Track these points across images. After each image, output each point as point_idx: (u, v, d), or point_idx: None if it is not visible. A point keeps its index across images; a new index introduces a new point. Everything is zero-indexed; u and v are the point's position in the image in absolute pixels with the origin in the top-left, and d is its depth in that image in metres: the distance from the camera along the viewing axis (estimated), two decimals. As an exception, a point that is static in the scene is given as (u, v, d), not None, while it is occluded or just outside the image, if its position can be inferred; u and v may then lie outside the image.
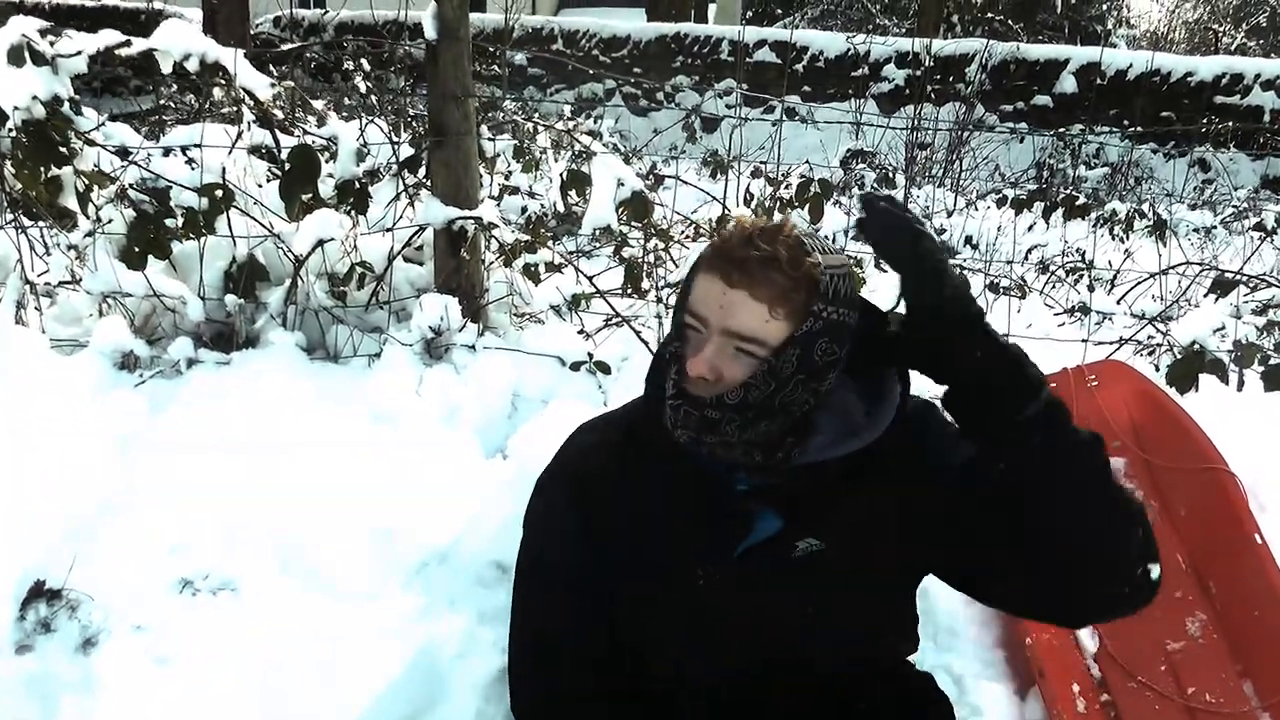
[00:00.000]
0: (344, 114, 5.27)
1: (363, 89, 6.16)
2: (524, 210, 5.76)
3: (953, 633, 3.26)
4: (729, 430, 2.06)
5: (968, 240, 8.42)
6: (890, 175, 10.69)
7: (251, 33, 15.78)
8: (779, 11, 27.75)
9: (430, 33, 3.88)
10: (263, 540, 3.12)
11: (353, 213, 4.05)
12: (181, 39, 3.73)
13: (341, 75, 10.45)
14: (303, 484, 3.29)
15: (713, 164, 8.83)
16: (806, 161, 6.83)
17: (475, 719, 2.83)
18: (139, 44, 3.71)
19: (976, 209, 9.42)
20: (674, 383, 2.09)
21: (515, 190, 5.88)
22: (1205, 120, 15.15)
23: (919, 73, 17.11)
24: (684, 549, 2.20)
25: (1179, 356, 4.07)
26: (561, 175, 5.01)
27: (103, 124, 3.99)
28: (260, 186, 4.25)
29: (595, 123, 12.20)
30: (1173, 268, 6.33)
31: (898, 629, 2.39)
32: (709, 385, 2.03)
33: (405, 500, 3.30)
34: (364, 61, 6.68)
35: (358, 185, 4.01)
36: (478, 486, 3.38)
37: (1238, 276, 5.53)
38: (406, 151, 4.26)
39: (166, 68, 3.70)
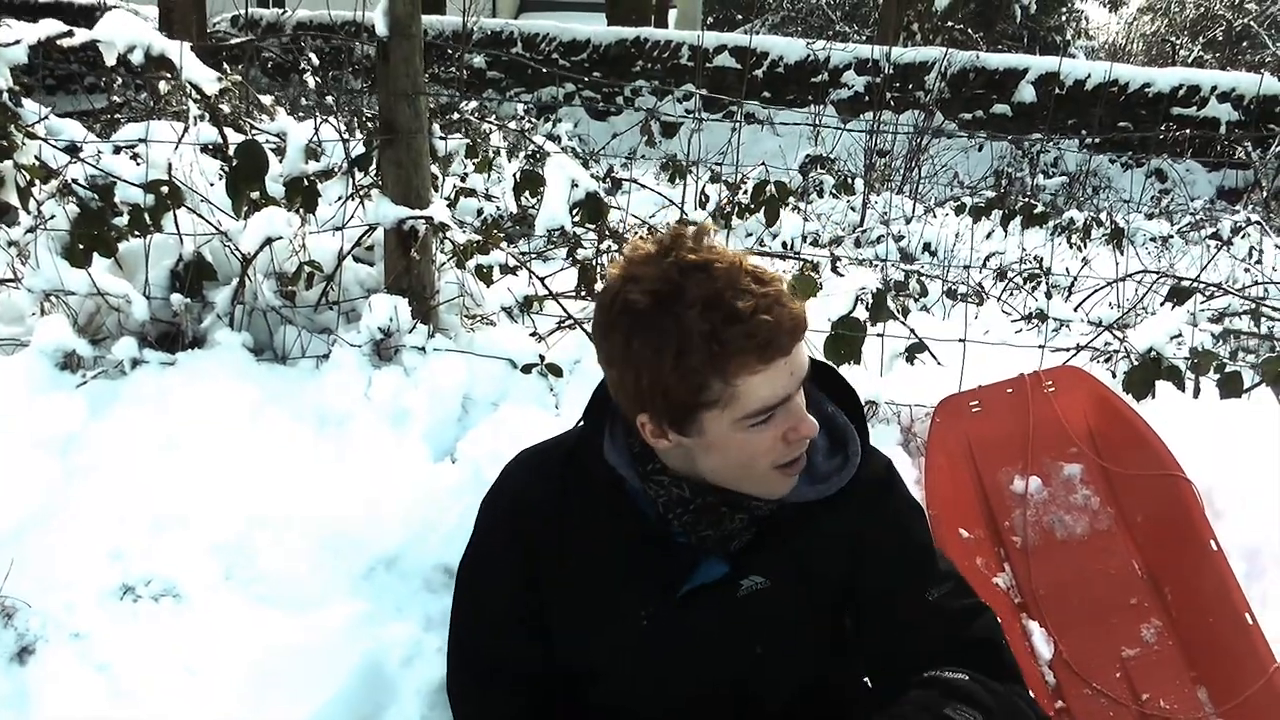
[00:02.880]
0: (299, 114, 5.20)
1: (312, 84, 6.09)
2: (480, 213, 5.72)
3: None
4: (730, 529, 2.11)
5: (926, 247, 8.40)
6: (849, 181, 10.66)
7: (208, 31, 15.71)
8: (739, 17, 27.79)
9: (381, 29, 3.83)
10: (206, 546, 3.08)
11: (301, 211, 3.99)
12: (126, 30, 3.66)
13: (299, 75, 10.41)
14: (248, 488, 3.26)
15: (671, 169, 8.79)
16: (763, 163, 6.81)
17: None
18: (82, 35, 3.65)
19: (935, 216, 9.41)
20: (789, 462, 2.05)
21: (471, 193, 5.82)
22: (1164, 128, 15.24)
23: (879, 80, 17.14)
24: (626, 588, 2.19)
25: (1136, 363, 4.05)
26: (515, 176, 4.96)
27: (46, 117, 3.92)
28: (211, 185, 4.18)
29: (554, 126, 12.17)
30: (1130, 275, 6.33)
31: (846, 663, 2.37)
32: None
33: (353, 505, 3.26)
34: (312, 56, 6.61)
35: (306, 182, 3.96)
36: (426, 491, 3.34)
37: (1194, 284, 5.53)
38: (359, 150, 4.21)
39: (110, 59, 3.64)
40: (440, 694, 2.78)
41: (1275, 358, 4.31)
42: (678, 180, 7.79)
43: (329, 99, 8.97)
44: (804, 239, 7.32)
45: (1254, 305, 5.56)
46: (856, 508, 2.17)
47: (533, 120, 11.31)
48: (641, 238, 2.21)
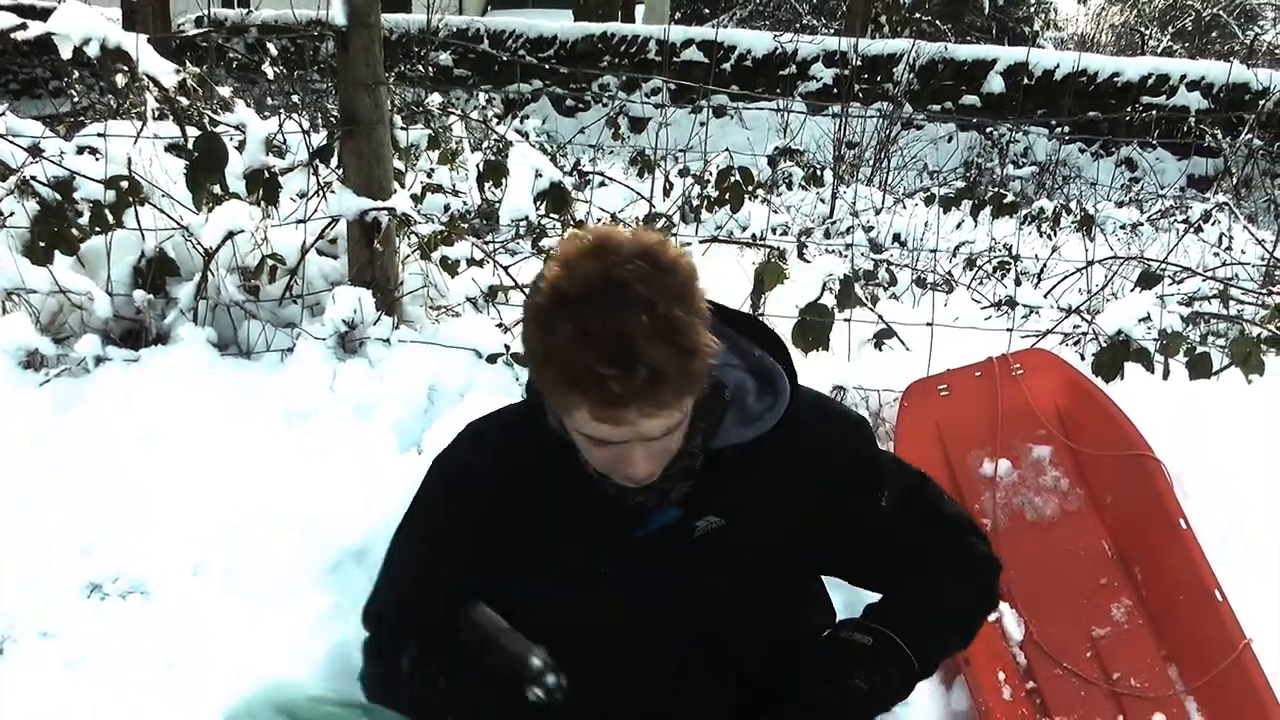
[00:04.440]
0: (264, 114, 5.17)
1: (271, 75, 6.06)
2: (446, 208, 5.69)
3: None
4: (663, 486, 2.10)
5: (895, 238, 8.40)
6: (818, 173, 10.66)
7: (171, 32, 15.63)
8: (707, 11, 27.79)
9: (340, 18, 3.81)
10: (173, 541, 3.07)
11: (263, 204, 3.97)
12: (81, 22, 3.63)
13: (265, 77, 10.39)
14: (215, 483, 3.25)
15: (640, 163, 8.78)
16: (726, 150, 6.79)
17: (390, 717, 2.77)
18: (35, 27, 3.61)
19: (905, 207, 9.41)
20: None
21: (438, 188, 5.80)
22: (1130, 110, 15.26)
23: (847, 72, 17.14)
24: (582, 541, 2.20)
25: (1104, 345, 4.05)
26: (478, 166, 4.94)
27: (4, 112, 3.89)
28: (175, 184, 4.16)
29: (521, 122, 12.13)
30: (1100, 261, 6.34)
31: (809, 601, 2.41)
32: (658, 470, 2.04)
33: (319, 498, 3.25)
34: (271, 47, 6.58)
35: (267, 175, 3.93)
36: (393, 482, 3.31)
37: (1163, 267, 5.55)
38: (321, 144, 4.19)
39: (66, 52, 3.60)
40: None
41: (1244, 339, 4.33)
42: (646, 175, 7.78)
43: (294, 98, 8.94)
44: (773, 231, 7.31)
45: (1223, 287, 5.58)
46: (798, 440, 2.20)
47: (497, 112, 11.27)
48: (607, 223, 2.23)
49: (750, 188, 6.24)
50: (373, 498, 3.27)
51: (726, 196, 6.00)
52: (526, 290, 2.16)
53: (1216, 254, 7.89)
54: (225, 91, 4.71)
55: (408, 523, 2.44)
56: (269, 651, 2.80)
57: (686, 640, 2.20)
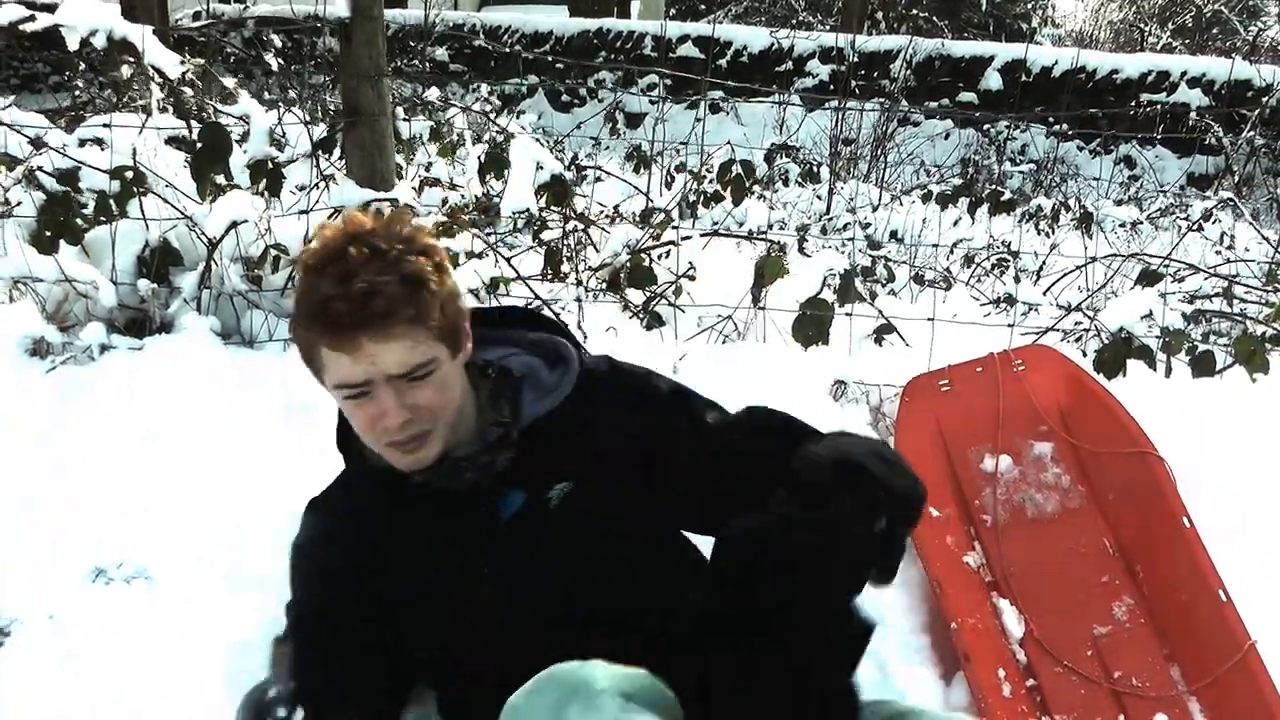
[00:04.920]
0: (264, 108, 5.18)
1: (275, 66, 6.07)
2: (444, 201, 5.70)
3: (877, 617, 3.23)
4: (476, 459, 2.16)
5: (893, 234, 8.41)
6: (815, 169, 10.67)
7: (169, 26, 15.62)
8: (703, 7, 27.76)
9: (343, 10, 3.82)
10: (176, 528, 3.08)
11: (266, 194, 3.98)
12: (88, 14, 3.64)
13: (263, 71, 10.40)
14: (217, 471, 3.25)
15: (636, 159, 8.79)
16: (728, 142, 6.80)
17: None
18: (44, 19, 3.63)
19: (901, 204, 9.43)
20: (391, 443, 2.10)
21: (436, 182, 5.80)
22: (1133, 105, 15.23)
23: (843, 68, 17.13)
24: (453, 553, 2.22)
25: (1107, 342, 4.06)
26: (479, 158, 4.94)
27: (9, 106, 3.90)
28: (176, 175, 4.17)
29: (517, 118, 12.14)
30: (1100, 258, 6.34)
31: (682, 561, 2.39)
32: (417, 421, 2.05)
33: (321, 487, 3.24)
34: (276, 39, 6.59)
35: (270, 165, 3.94)
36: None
37: (1166, 264, 5.56)
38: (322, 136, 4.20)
39: (73, 44, 3.62)
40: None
41: (1247, 337, 4.33)
42: (642, 170, 7.79)
43: (291, 92, 8.95)
44: (770, 227, 7.32)
45: (1226, 285, 5.58)
46: (598, 401, 2.25)
47: (495, 104, 11.29)
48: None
49: (751, 181, 6.25)
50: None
51: (728, 190, 6.00)
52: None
53: (1219, 252, 7.90)
54: (229, 83, 4.72)
55: (291, 621, 2.44)
56: (267, 639, 2.80)
57: (580, 615, 2.18)
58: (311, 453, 3.34)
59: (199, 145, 3.81)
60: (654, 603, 2.23)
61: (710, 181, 6.63)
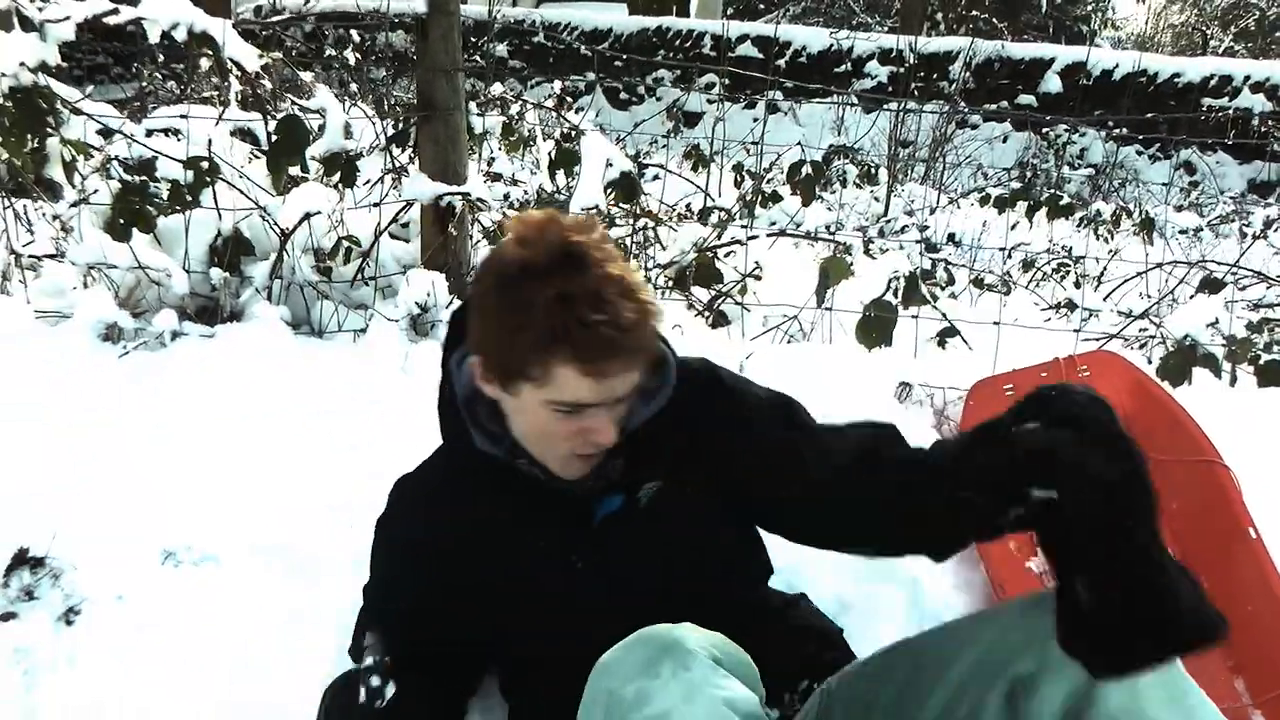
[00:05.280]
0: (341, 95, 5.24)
1: (352, 60, 6.12)
2: (506, 197, 5.73)
3: (938, 619, 3.24)
4: (603, 467, 2.16)
5: (950, 237, 8.41)
6: (873, 171, 10.66)
7: (232, 22, 15.73)
8: (761, 6, 27.73)
9: (420, 5, 3.85)
10: (244, 514, 3.09)
11: (340, 186, 4.01)
12: (169, 8, 3.68)
13: (323, 65, 10.46)
14: (283, 460, 3.27)
15: (695, 158, 8.81)
16: (799, 143, 6.81)
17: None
18: (127, 12, 3.67)
19: (959, 206, 9.41)
20: (580, 455, 2.10)
21: (498, 177, 5.83)
22: (1195, 111, 15.11)
23: (902, 70, 17.09)
24: (548, 545, 2.24)
25: (1172, 349, 4.05)
26: (550, 154, 4.97)
27: (89, 94, 3.96)
28: (248, 162, 4.22)
29: (576, 115, 12.14)
30: (1162, 265, 6.32)
31: (756, 548, 2.45)
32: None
33: (387, 477, 3.26)
34: (354, 33, 6.65)
35: (345, 157, 3.97)
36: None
37: (1231, 270, 5.53)
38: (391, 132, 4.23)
39: (154, 36, 3.66)
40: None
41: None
42: (700, 168, 7.80)
43: (353, 86, 9.01)
44: (828, 228, 7.32)
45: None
46: (692, 402, 2.24)
47: (567, 100, 11.32)
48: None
49: (820, 182, 6.26)
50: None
51: (797, 190, 6.01)
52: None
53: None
54: (308, 76, 4.76)
55: (375, 595, 2.48)
56: (329, 626, 2.82)
57: (665, 603, 2.20)
58: (377, 442, 3.39)
59: (276, 137, 3.85)
60: (732, 588, 2.32)
61: (769, 182, 6.64)
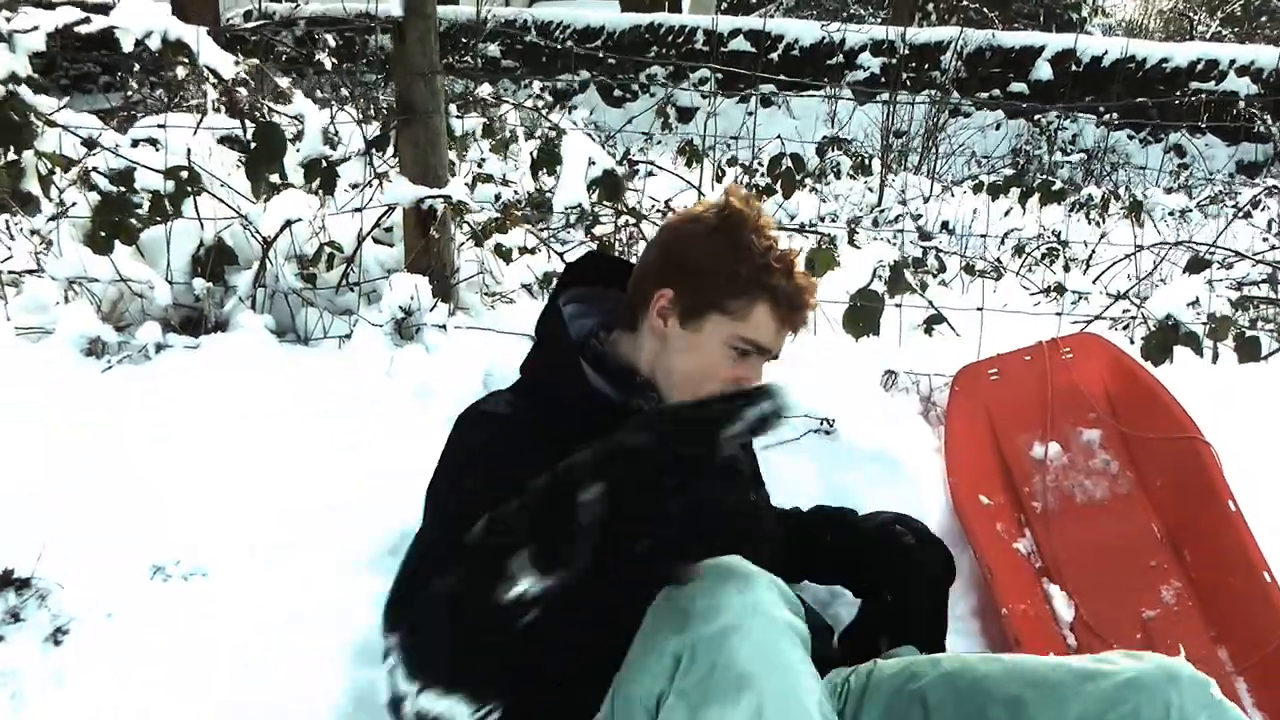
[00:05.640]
0: (316, 104, 5.21)
1: (329, 65, 6.12)
2: (498, 197, 5.74)
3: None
4: None
5: (944, 225, 8.42)
6: (866, 162, 10.68)
7: (221, 26, 15.70)
8: (753, 1, 27.70)
9: (396, 9, 3.86)
10: (233, 525, 3.10)
11: (320, 193, 4.02)
12: (143, 15, 3.68)
13: (313, 68, 10.46)
14: (273, 467, 3.28)
15: (688, 153, 8.82)
16: (779, 137, 6.82)
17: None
18: (99, 21, 3.67)
19: (952, 195, 9.42)
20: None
21: (489, 178, 5.84)
22: (1180, 95, 15.20)
23: (894, 60, 17.10)
24: None
25: (1154, 329, 4.06)
26: (532, 154, 4.98)
27: (65, 105, 3.96)
28: (230, 174, 4.22)
29: (569, 113, 12.16)
30: (1148, 247, 6.33)
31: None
32: None
33: (375, 481, 3.28)
34: (329, 38, 6.64)
35: (325, 164, 3.98)
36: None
37: (1211, 250, 5.55)
38: (376, 135, 4.24)
39: (128, 45, 3.65)
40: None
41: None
42: (694, 164, 7.81)
43: (343, 90, 9.00)
44: (821, 219, 7.34)
45: (1272, 271, 5.57)
46: None
47: (548, 99, 11.33)
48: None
49: (801, 175, 6.27)
50: (427, 481, 3.30)
51: (779, 183, 6.03)
52: (669, 221, 2.54)
53: (1266, 239, 7.88)
54: (284, 83, 4.76)
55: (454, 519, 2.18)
56: (324, 633, 2.84)
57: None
58: (364, 445, 3.40)
59: (254, 145, 3.85)
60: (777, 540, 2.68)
61: (760, 175, 6.64)
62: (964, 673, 2.26)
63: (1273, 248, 6.99)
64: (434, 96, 3.94)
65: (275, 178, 3.96)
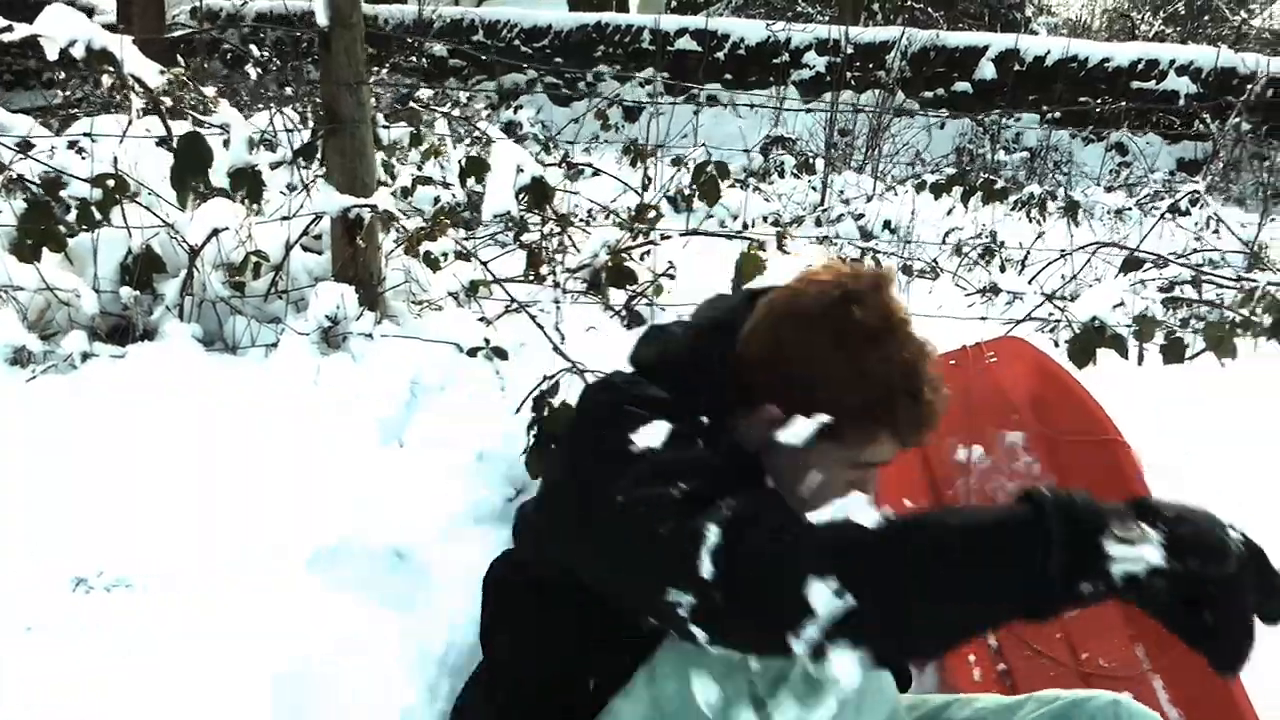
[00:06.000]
0: (260, 105, 5.21)
1: (254, 76, 6.12)
2: (436, 200, 5.74)
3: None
4: None
5: (886, 225, 8.45)
6: (810, 161, 10.72)
7: (167, 24, 15.62)
8: (701, 0, 27.75)
9: (321, 19, 3.85)
10: (158, 535, 3.08)
11: (248, 201, 4.02)
12: (66, 24, 3.67)
13: (256, 66, 10.44)
14: (199, 476, 3.27)
15: (633, 153, 8.84)
16: (703, 144, 6.84)
17: (369, 711, 2.81)
18: (21, 29, 3.66)
19: (896, 194, 9.47)
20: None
21: (429, 180, 5.84)
22: (1119, 99, 15.39)
23: (839, 59, 17.17)
24: None
25: (1078, 332, 4.10)
26: (460, 162, 4.99)
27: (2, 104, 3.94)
28: (162, 181, 4.21)
29: (515, 113, 12.17)
30: (1082, 248, 6.38)
31: None
32: None
33: (302, 491, 3.28)
34: (254, 48, 6.64)
35: (251, 173, 3.98)
36: (375, 475, 3.37)
37: (1134, 253, 5.60)
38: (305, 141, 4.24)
39: (52, 54, 3.65)
40: (392, 674, 2.82)
41: (1217, 323, 4.38)
42: (639, 165, 7.84)
43: (288, 90, 8.99)
44: (764, 219, 7.37)
45: (1194, 273, 5.63)
46: None
47: (491, 103, 11.33)
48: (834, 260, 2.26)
49: (727, 181, 6.28)
50: (354, 490, 3.31)
51: (701, 191, 6.05)
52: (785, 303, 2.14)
53: (1199, 238, 7.95)
54: (209, 91, 4.75)
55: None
56: (249, 644, 2.83)
57: None
58: (292, 456, 3.40)
59: (178, 155, 3.85)
60: None
61: (688, 179, 6.66)
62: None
63: (1194, 250, 7.06)
64: (360, 107, 3.94)
65: (204, 186, 3.96)
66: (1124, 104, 15.35)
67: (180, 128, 4.15)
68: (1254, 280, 4.94)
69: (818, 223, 8.48)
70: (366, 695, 2.84)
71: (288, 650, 2.83)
